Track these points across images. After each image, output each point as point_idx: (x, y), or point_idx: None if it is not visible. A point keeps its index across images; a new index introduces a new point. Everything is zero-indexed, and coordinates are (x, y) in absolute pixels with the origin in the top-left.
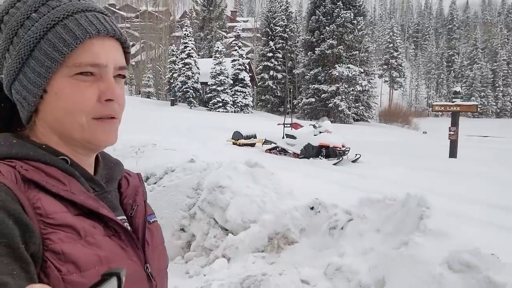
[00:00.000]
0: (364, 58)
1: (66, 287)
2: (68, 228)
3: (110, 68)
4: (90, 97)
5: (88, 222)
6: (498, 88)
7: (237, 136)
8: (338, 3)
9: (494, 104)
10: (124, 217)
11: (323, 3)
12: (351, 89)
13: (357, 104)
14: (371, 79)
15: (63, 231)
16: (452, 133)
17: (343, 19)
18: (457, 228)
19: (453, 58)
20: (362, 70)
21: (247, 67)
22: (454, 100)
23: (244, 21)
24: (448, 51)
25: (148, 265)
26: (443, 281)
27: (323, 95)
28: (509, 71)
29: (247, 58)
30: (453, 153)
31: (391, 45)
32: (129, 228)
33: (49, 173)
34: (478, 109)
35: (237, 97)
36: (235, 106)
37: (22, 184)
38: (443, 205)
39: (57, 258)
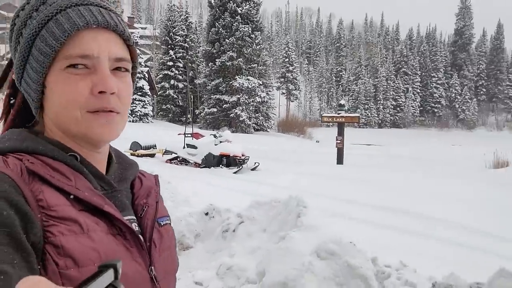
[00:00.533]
0: (263, 71)
1: (62, 282)
2: (70, 222)
3: (103, 59)
4: (82, 90)
5: (91, 219)
6: (379, 101)
7: (135, 146)
8: (236, 17)
9: (376, 115)
10: (133, 217)
11: (222, 16)
12: (251, 100)
13: (257, 115)
14: (270, 91)
15: (64, 224)
16: (338, 141)
17: (241, 32)
18: (327, 223)
19: (341, 73)
20: (261, 82)
21: (146, 75)
22: (339, 112)
23: (142, 28)
24: (337, 67)
25: (153, 267)
26: (312, 268)
27: (224, 105)
28: (388, 86)
29: (146, 66)
30: (340, 160)
31: (287, 59)
32: (136, 228)
33: (56, 168)
34: (360, 120)
35: (135, 106)
36: (133, 115)
37: (27, 176)
38: (322, 205)
39: (56, 251)
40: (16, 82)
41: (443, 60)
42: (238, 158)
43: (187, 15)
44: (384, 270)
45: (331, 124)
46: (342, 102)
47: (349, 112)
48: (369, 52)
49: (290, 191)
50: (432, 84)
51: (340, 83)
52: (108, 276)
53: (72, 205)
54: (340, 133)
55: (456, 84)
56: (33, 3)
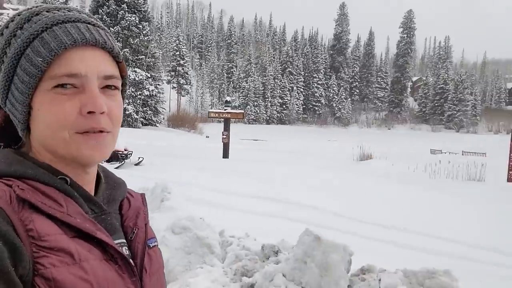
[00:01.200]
0: (151, 63)
1: None
2: (62, 252)
3: (91, 78)
4: (70, 110)
5: (84, 246)
6: (267, 99)
7: None
8: (122, 6)
9: (265, 112)
10: (124, 241)
11: (107, 3)
12: (138, 93)
13: (145, 109)
14: (159, 84)
15: (55, 255)
16: (224, 136)
17: (128, 22)
18: (187, 206)
19: (232, 70)
20: (149, 75)
21: None
22: (225, 108)
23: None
24: (228, 63)
25: None
26: (166, 241)
27: None
28: (275, 84)
29: None
30: (226, 154)
31: (178, 53)
32: (127, 252)
33: (47, 194)
34: (246, 116)
35: None
36: None
37: (17, 204)
38: (196, 194)
39: (46, 284)
40: (0, 103)
41: (323, 62)
42: (121, 153)
43: None
44: (228, 239)
45: (222, 120)
46: (228, 98)
47: (239, 108)
48: (258, 50)
49: (173, 184)
50: (314, 84)
51: (231, 79)
52: None
53: (64, 232)
54: (226, 128)
55: (334, 85)
56: (18, 21)
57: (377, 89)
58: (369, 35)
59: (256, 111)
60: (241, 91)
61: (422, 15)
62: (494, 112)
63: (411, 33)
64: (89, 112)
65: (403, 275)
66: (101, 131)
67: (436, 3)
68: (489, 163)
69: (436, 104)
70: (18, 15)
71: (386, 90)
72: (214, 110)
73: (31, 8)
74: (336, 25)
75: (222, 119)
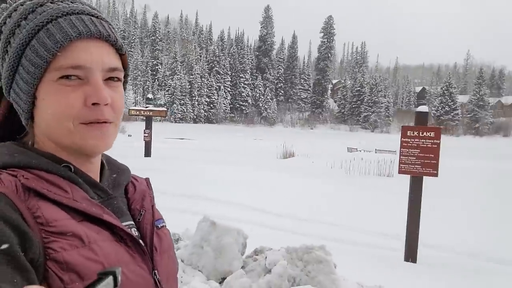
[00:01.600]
0: None
1: None
2: (71, 236)
3: (96, 70)
4: (75, 101)
5: (93, 228)
6: (194, 98)
7: None
8: None
9: (192, 111)
10: (132, 223)
11: None
12: None
13: None
14: None
15: (65, 239)
16: (146, 135)
17: None
18: None
19: (157, 67)
20: None
21: None
22: (147, 105)
23: None
24: (153, 60)
25: (156, 271)
26: None
27: None
28: (202, 83)
29: None
30: (148, 153)
31: None
32: (136, 233)
33: (51, 181)
34: (167, 114)
35: None
36: None
37: (23, 193)
38: None
39: (59, 267)
40: (4, 92)
41: (250, 63)
42: None
43: None
44: None
45: (145, 118)
46: (150, 95)
47: (165, 106)
48: (184, 48)
49: None
50: (241, 84)
51: (156, 77)
52: (108, 283)
53: (72, 217)
54: (148, 126)
55: (260, 85)
56: (22, 11)
57: (301, 90)
58: (292, 39)
59: (183, 109)
60: (167, 89)
61: (341, 21)
62: (405, 113)
63: (331, 38)
64: (94, 104)
65: (285, 252)
66: (105, 122)
67: (354, 10)
68: (398, 160)
69: (353, 106)
70: (22, 5)
71: (308, 92)
72: (135, 108)
73: None
74: (261, 27)
75: (145, 117)
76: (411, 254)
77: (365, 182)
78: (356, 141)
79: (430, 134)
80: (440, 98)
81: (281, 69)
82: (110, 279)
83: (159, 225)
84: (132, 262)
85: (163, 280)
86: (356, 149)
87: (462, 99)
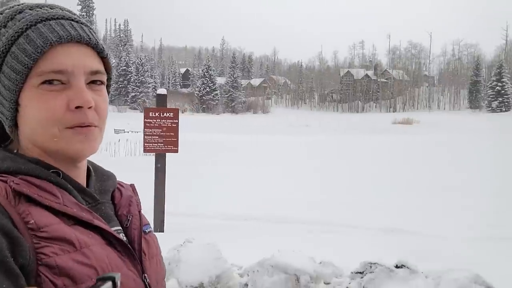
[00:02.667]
0: None
1: None
2: (62, 241)
3: (78, 73)
4: (58, 106)
5: (84, 233)
6: None
7: None
8: None
9: None
10: (120, 228)
11: None
12: None
13: None
14: None
15: (57, 244)
16: None
17: None
18: None
19: None
20: None
21: None
22: None
23: None
24: None
25: (146, 275)
26: None
27: None
28: None
29: None
30: None
31: None
32: (124, 239)
33: (41, 187)
34: None
35: None
36: None
37: (13, 198)
38: None
39: (51, 272)
40: None
41: None
42: None
43: None
44: None
45: None
46: None
47: None
48: None
49: None
50: None
51: None
52: None
53: (63, 222)
54: None
55: None
56: (1, 19)
57: None
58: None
59: None
60: None
61: None
62: (172, 94)
63: (90, 12)
64: (77, 107)
65: None
66: (89, 126)
67: None
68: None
69: (120, 86)
70: (0, 14)
71: None
72: None
73: (13, 7)
74: None
75: None
76: (158, 225)
77: (132, 163)
78: (124, 122)
79: (169, 114)
80: (201, 79)
81: None
82: (109, 284)
83: (146, 230)
84: (123, 266)
85: (153, 284)
86: (124, 130)
87: (220, 80)
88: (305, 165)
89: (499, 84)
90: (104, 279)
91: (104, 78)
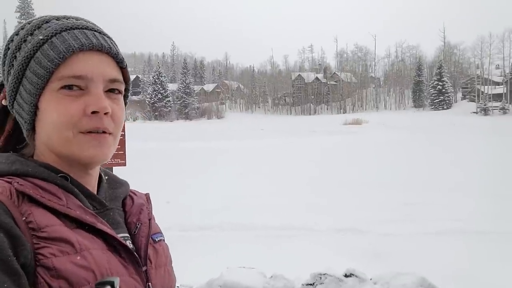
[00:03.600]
0: None
1: None
2: (62, 242)
3: (97, 80)
4: (75, 110)
5: (86, 236)
6: None
7: None
8: None
9: None
10: (127, 235)
11: None
12: None
13: None
14: None
15: (56, 245)
16: None
17: None
18: None
19: None
20: None
21: None
22: None
23: None
24: None
25: (150, 284)
26: None
27: None
28: None
29: None
30: None
31: None
32: (130, 246)
33: (46, 189)
34: None
35: None
36: None
37: (17, 198)
38: None
39: (48, 274)
40: (8, 105)
41: None
42: None
43: None
44: None
45: None
46: None
47: None
48: None
49: None
50: None
51: None
52: None
53: (65, 224)
54: None
55: None
56: (28, 28)
57: None
58: None
59: None
60: None
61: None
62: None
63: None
64: (93, 112)
65: None
66: (104, 132)
67: None
68: None
69: None
70: (28, 23)
71: None
72: None
73: (41, 17)
74: None
75: None
76: None
77: None
78: None
79: None
80: (152, 86)
81: None
82: None
83: (156, 238)
84: (125, 273)
85: None
86: None
87: (172, 87)
88: (258, 170)
89: (440, 83)
90: (103, 284)
91: (122, 87)
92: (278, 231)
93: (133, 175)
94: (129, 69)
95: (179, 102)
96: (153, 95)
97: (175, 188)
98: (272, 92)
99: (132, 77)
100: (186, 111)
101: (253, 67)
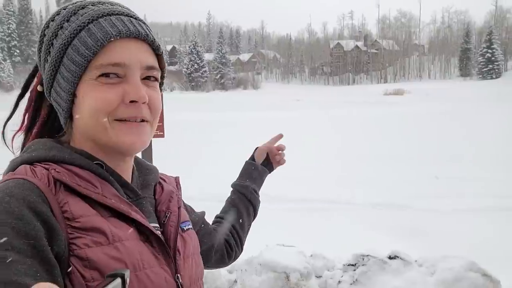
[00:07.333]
0: None
1: None
2: (95, 233)
3: (134, 68)
4: (113, 98)
5: (120, 226)
6: None
7: None
8: None
9: None
10: (157, 225)
11: None
12: None
13: None
14: None
15: (90, 235)
16: None
17: None
18: None
19: None
20: None
21: None
22: None
23: None
24: None
25: (179, 275)
26: None
27: None
28: None
29: None
30: None
31: None
32: (161, 235)
33: (82, 176)
34: None
35: None
36: None
37: (54, 186)
38: None
39: (82, 264)
40: (45, 92)
41: None
42: None
43: None
44: None
45: None
46: None
47: None
48: None
49: None
50: None
51: None
52: (116, 285)
53: (99, 213)
54: None
55: None
56: (64, 14)
57: None
58: None
59: None
60: None
61: None
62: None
63: None
64: (131, 101)
65: None
66: (143, 120)
67: None
68: None
69: None
70: (64, 9)
71: None
72: None
73: (76, 3)
74: None
75: None
76: None
77: None
78: None
79: None
80: (189, 56)
81: (12, 24)
82: (118, 281)
83: (184, 227)
84: (156, 263)
85: (186, 285)
86: None
87: (208, 56)
88: (294, 141)
89: (489, 51)
90: (113, 276)
91: (158, 74)
92: (313, 204)
93: (170, 147)
94: (166, 39)
95: (215, 72)
96: (190, 65)
97: (209, 159)
98: (310, 61)
99: (168, 47)
100: (222, 81)
101: (290, 36)
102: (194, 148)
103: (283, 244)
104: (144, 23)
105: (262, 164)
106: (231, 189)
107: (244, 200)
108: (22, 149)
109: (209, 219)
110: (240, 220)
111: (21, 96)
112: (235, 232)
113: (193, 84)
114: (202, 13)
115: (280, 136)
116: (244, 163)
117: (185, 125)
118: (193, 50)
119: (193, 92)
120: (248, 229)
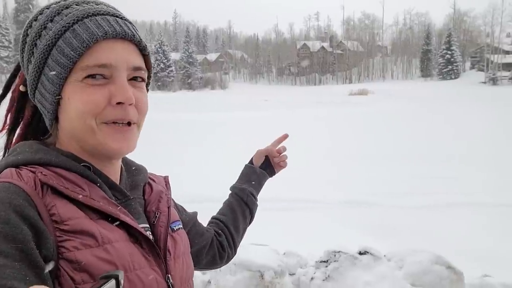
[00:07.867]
0: None
1: None
2: (84, 235)
3: (121, 69)
4: (99, 100)
5: (109, 228)
6: None
7: None
8: None
9: None
10: (147, 225)
11: None
12: None
13: None
14: None
15: (78, 238)
16: None
17: None
18: None
19: None
20: None
21: None
22: None
23: None
24: None
25: (169, 275)
26: None
27: None
28: None
29: None
30: None
31: None
32: (151, 236)
33: (69, 179)
34: None
35: None
36: None
37: (41, 189)
38: None
39: (71, 266)
40: (29, 94)
41: None
42: None
43: None
44: None
45: None
46: None
47: None
48: None
49: None
50: None
51: None
52: (110, 287)
53: (88, 215)
54: None
55: None
56: (48, 14)
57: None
58: None
59: None
60: None
61: None
62: None
63: None
64: (118, 103)
65: None
66: (129, 122)
67: None
68: None
69: None
70: (47, 8)
71: (10, 49)
72: None
73: (59, 2)
74: None
75: None
76: None
77: None
78: None
79: None
80: (155, 55)
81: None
82: (112, 282)
83: (174, 227)
84: (146, 264)
85: (177, 285)
86: None
87: (174, 56)
88: (261, 141)
89: (449, 52)
90: (107, 277)
91: (145, 75)
92: (286, 204)
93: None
94: None
95: (182, 72)
96: (156, 65)
97: (181, 160)
98: (277, 61)
99: None
100: (189, 81)
101: (257, 36)
102: (161, 148)
103: (256, 243)
104: (130, 22)
105: (263, 167)
106: (229, 191)
107: (240, 203)
108: (4, 150)
109: None
110: (235, 222)
111: (2, 96)
112: (228, 234)
113: (159, 83)
114: (168, 12)
115: (285, 137)
116: (243, 166)
117: (152, 125)
118: (159, 49)
119: (160, 91)
120: (244, 232)
